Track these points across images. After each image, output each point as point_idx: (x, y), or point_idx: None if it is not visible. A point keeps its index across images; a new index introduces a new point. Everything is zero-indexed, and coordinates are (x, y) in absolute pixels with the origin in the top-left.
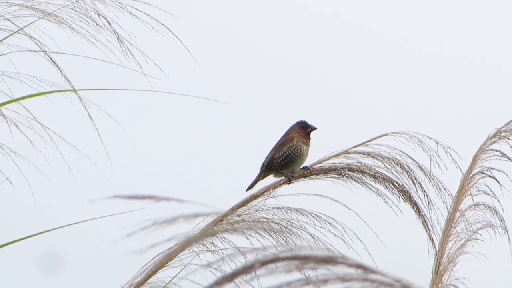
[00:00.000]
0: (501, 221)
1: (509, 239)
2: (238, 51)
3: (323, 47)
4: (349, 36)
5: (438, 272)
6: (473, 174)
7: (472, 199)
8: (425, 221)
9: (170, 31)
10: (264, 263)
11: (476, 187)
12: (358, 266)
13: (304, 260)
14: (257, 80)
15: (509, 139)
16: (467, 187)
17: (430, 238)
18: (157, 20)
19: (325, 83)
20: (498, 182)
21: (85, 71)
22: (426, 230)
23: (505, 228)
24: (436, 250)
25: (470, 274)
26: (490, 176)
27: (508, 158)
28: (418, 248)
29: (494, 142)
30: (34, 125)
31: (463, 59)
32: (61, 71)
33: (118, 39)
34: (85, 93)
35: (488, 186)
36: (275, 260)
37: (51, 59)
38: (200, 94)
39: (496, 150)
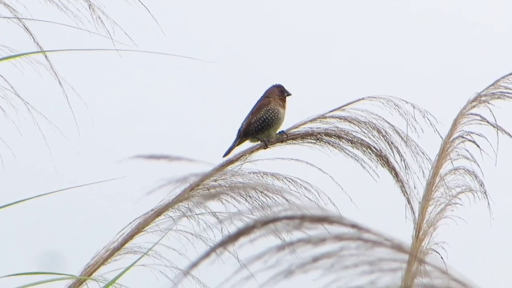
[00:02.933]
0: (481, 185)
1: (488, 204)
2: (212, 16)
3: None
4: None
5: (418, 237)
6: (453, 139)
7: (452, 164)
8: (403, 186)
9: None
10: (265, 223)
11: (456, 151)
12: (353, 225)
13: (301, 219)
14: (232, 42)
15: (489, 103)
16: (447, 152)
17: (409, 202)
18: None
19: (304, 43)
20: (478, 146)
21: (56, 39)
22: (404, 195)
23: (485, 193)
24: (414, 215)
25: (450, 238)
26: (470, 140)
27: (488, 122)
28: (398, 214)
29: (474, 106)
30: (7, 94)
31: (440, 17)
32: (33, 37)
33: (89, 7)
34: (56, 58)
35: (468, 151)
36: (275, 219)
37: (24, 25)
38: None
39: (476, 114)
